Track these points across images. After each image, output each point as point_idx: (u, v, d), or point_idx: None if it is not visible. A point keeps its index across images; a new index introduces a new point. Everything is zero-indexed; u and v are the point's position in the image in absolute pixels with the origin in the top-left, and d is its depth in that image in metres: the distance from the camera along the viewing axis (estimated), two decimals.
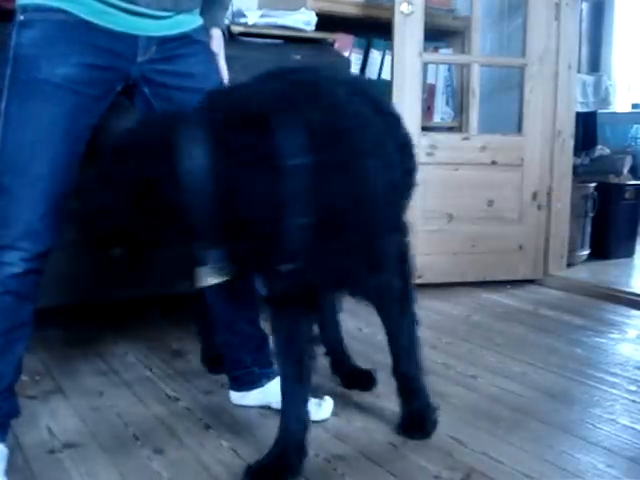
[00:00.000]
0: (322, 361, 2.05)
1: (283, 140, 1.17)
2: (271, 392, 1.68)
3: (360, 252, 1.32)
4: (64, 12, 1.32)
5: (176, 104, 1.44)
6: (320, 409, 1.65)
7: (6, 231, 1.33)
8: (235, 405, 1.73)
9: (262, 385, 1.70)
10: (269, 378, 1.70)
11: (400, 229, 1.51)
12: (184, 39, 1.46)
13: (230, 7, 2.50)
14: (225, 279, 1.32)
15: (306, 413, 1.44)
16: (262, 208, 1.17)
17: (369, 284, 1.42)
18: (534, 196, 3.05)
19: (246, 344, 1.68)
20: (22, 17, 1.33)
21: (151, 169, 1.17)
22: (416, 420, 1.59)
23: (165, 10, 1.40)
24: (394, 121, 1.51)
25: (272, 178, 1.16)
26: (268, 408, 1.69)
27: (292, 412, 1.43)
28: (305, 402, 1.45)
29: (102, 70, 1.37)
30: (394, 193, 1.40)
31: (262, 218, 1.18)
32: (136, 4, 1.36)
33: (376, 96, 1.49)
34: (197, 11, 1.51)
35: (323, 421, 1.64)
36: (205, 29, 1.56)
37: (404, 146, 1.49)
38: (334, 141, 1.23)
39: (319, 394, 1.69)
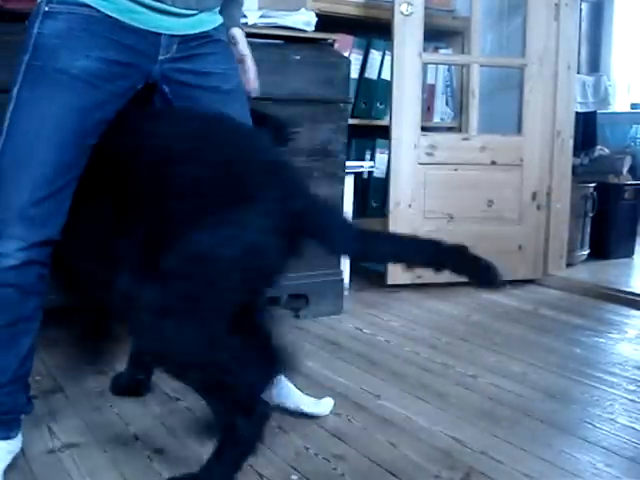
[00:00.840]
0: (322, 362, 2.05)
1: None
2: (274, 389, 1.69)
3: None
4: (90, 7, 1.32)
5: (196, 103, 1.45)
6: (319, 404, 1.65)
7: (1, 216, 1.31)
8: None
9: None
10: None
11: None
12: (205, 38, 1.46)
13: None
14: None
15: None
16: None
17: None
18: (534, 196, 3.06)
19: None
20: (47, 8, 1.32)
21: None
22: None
23: (189, 8, 1.39)
24: None
25: None
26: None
27: None
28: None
29: (123, 66, 1.36)
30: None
31: None
32: (162, 2, 1.35)
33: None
34: (217, 10, 1.51)
35: (322, 419, 1.64)
36: (225, 29, 1.56)
37: None
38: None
39: (313, 395, 1.70)
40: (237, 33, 1.63)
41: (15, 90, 1.32)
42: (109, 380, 1.89)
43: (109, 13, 1.33)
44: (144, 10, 1.35)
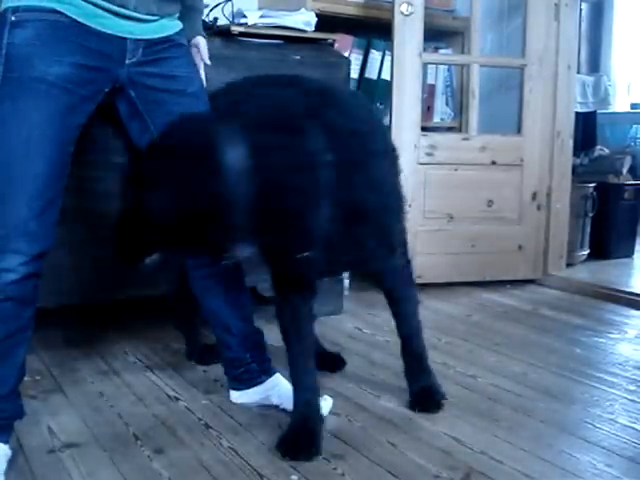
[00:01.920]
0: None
1: (313, 140, 1.34)
2: (270, 387, 1.70)
3: (378, 237, 1.50)
4: (56, 12, 1.34)
5: (162, 106, 1.48)
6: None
7: (1, 231, 1.32)
8: (235, 405, 1.74)
9: (262, 382, 1.71)
10: (268, 374, 1.72)
11: (403, 218, 1.69)
12: (168, 42, 1.50)
13: (230, 8, 2.52)
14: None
15: (316, 382, 1.58)
16: (296, 200, 1.31)
17: (385, 266, 1.63)
18: (534, 196, 3.06)
19: (244, 343, 1.69)
20: (13, 17, 1.33)
21: (197, 169, 1.27)
22: (429, 394, 1.73)
23: (151, 14, 1.44)
24: (384, 127, 1.73)
25: (305, 173, 1.32)
26: (268, 407, 1.70)
27: (304, 384, 1.56)
28: (313, 374, 1.58)
29: (92, 71, 1.38)
30: (398, 186, 1.60)
31: (296, 210, 1.32)
32: (125, 7, 1.39)
33: (369, 106, 1.73)
34: (176, 16, 1.55)
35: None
36: (186, 38, 1.60)
37: (394, 150, 1.65)
38: (352, 142, 1.41)
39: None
40: (201, 42, 1.67)
41: None
42: (109, 380, 1.90)
43: (75, 18, 1.35)
44: (109, 15, 1.38)
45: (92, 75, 1.39)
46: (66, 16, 1.34)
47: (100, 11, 1.37)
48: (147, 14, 1.43)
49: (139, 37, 1.44)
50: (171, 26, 1.52)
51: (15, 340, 1.38)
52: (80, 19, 1.36)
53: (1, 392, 1.39)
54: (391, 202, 1.54)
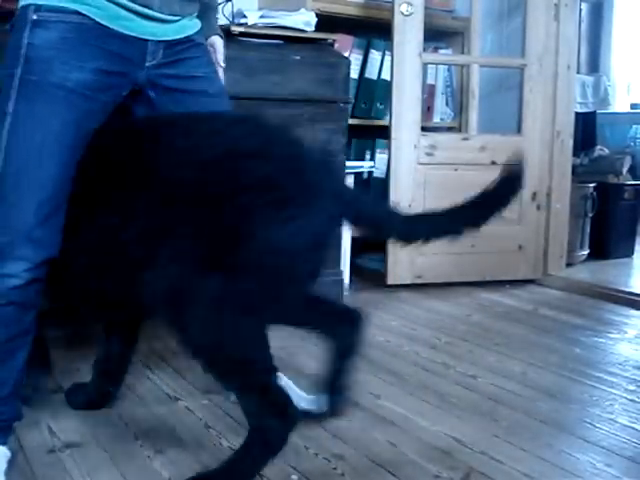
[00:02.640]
0: (323, 362, 2.05)
1: None
2: None
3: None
4: (80, 14, 1.30)
5: (182, 107, 1.45)
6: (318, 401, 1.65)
7: (6, 238, 1.29)
8: (235, 405, 1.73)
9: None
10: None
11: None
12: (188, 42, 1.47)
13: (230, 8, 2.52)
14: None
15: None
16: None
17: None
18: (533, 196, 3.06)
19: None
20: (35, 16, 1.29)
21: None
22: None
23: (174, 14, 1.40)
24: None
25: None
26: None
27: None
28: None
29: (113, 76, 1.35)
30: None
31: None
32: (149, 7, 1.35)
33: None
34: (195, 15, 1.52)
35: (321, 421, 1.64)
36: (204, 37, 1.57)
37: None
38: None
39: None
40: (217, 42, 1.63)
41: (10, 105, 1.28)
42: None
43: (99, 20, 1.31)
44: (133, 17, 1.35)
45: (113, 80, 1.36)
46: (89, 18, 1.31)
47: (124, 12, 1.33)
48: (170, 14, 1.39)
49: (161, 39, 1.40)
50: (191, 26, 1.48)
51: (16, 344, 1.36)
52: (103, 21, 1.32)
53: (0, 394, 1.38)
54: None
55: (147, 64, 1.40)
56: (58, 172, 1.31)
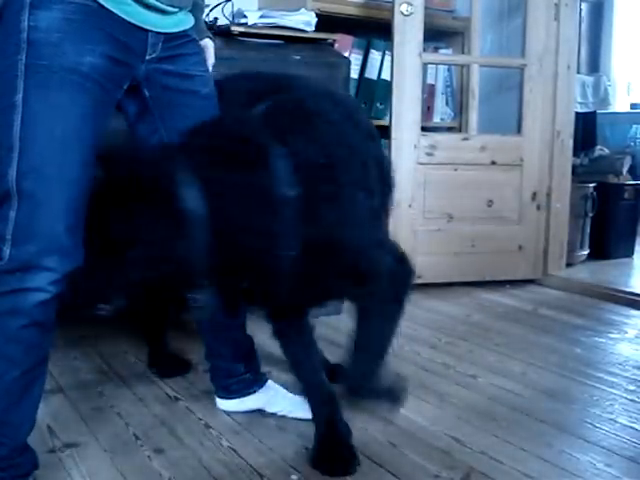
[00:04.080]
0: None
1: (276, 175, 1.19)
2: (264, 398, 1.68)
3: (345, 272, 1.32)
4: None
5: (174, 108, 1.39)
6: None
7: (29, 247, 1.15)
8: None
9: (254, 392, 1.68)
10: (260, 384, 1.69)
11: (384, 243, 1.46)
12: (184, 38, 1.39)
13: (230, 8, 2.52)
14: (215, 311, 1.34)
15: (329, 387, 1.52)
16: (258, 241, 1.20)
17: (355, 295, 1.41)
18: (533, 196, 3.06)
19: (237, 352, 1.66)
20: None
21: (152, 216, 1.14)
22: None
23: (172, 5, 1.31)
24: (376, 143, 1.53)
25: (267, 211, 1.20)
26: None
27: (318, 396, 1.51)
28: (322, 377, 1.52)
29: (119, 65, 1.25)
30: (376, 216, 1.42)
31: (257, 252, 1.20)
32: None
33: (359, 116, 1.51)
34: (189, 9, 1.43)
35: None
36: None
37: (383, 166, 1.50)
38: (321, 173, 1.25)
39: None
40: (209, 45, 1.56)
41: (19, 97, 1.15)
42: (109, 380, 1.90)
43: (103, 3, 1.20)
44: (132, 3, 1.24)
45: (119, 70, 1.25)
46: (94, 1, 1.19)
47: None
48: (169, 5, 1.29)
49: (161, 30, 1.30)
50: (187, 20, 1.40)
51: (34, 374, 1.23)
52: (107, 5, 1.20)
53: (17, 441, 1.23)
54: (363, 236, 1.34)
55: (147, 57, 1.31)
56: (81, 170, 1.18)
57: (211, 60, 1.56)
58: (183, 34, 1.39)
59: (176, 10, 1.34)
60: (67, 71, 1.16)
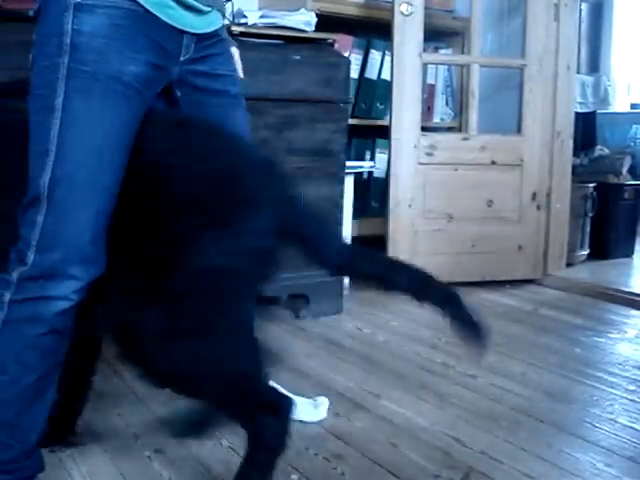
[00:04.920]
0: (322, 362, 2.05)
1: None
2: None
3: None
4: (131, 0, 1.16)
5: (205, 108, 1.36)
6: (317, 410, 1.65)
7: (54, 254, 1.14)
8: None
9: None
10: None
11: None
12: (215, 37, 1.36)
13: (230, 8, 2.52)
14: None
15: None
16: None
17: None
18: (533, 196, 3.06)
19: None
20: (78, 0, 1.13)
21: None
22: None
23: (207, 5, 1.28)
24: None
25: None
26: None
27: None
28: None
29: (158, 70, 1.23)
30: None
31: None
32: None
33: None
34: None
35: (321, 421, 1.64)
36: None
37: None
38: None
39: (314, 395, 1.70)
40: (236, 53, 1.53)
41: (59, 101, 1.12)
42: (109, 380, 1.89)
43: (149, 8, 1.17)
44: (175, 5, 1.21)
45: (158, 75, 1.23)
46: (138, 4, 1.16)
47: (169, 1, 1.20)
48: (205, 4, 1.26)
49: (196, 31, 1.28)
50: (218, 20, 1.36)
51: (48, 380, 1.22)
52: (153, 9, 1.18)
53: (26, 445, 1.22)
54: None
55: (181, 59, 1.28)
56: (114, 179, 1.16)
57: (239, 67, 1.54)
58: (214, 33, 1.36)
59: (210, 9, 1.31)
60: (111, 79, 1.14)
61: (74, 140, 1.13)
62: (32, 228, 1.14)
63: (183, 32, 1.25)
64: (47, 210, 1.14)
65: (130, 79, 1.16)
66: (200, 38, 1.31)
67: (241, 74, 1.53)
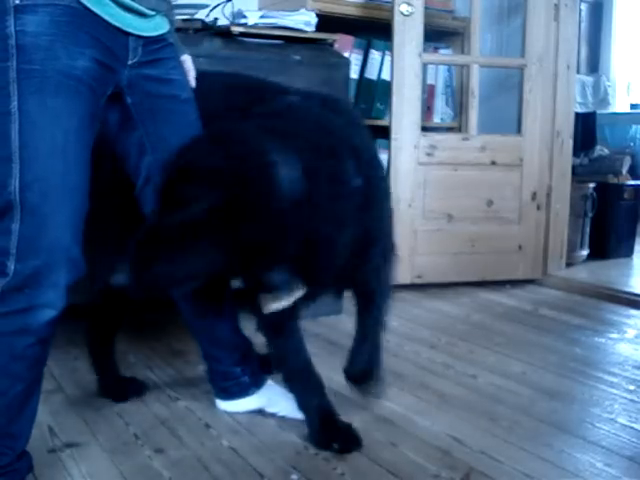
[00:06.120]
0: (322, 362, 2.05)
1: (348, 166, 1.34)
2: (264, 398, 1.68)
3: (383, 255, 1.52)
4: None
5: (156, 115, 1.37)
6: None
7: (35, 260, 1.12)
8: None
9: (251, 394, 1.68)
10: (258, 386, 1.68)
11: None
12: (162, 41, 1.36)
13: (230, 7, 2.52)
14: (293, 299, 1.39)
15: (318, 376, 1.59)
16: (335, 226, 1.30)
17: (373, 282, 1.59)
18: (533, 196, 3.06)
19: (233, 355, 1.65)
20: (17, 1, 1.11)
21: (247, 192, 1.18)
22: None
23: (151, 9, 1.29)
24: (360, 130, 1.60)
25: (345, 201, 1.31)
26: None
27: (309, 384, 1.57)
28: (312, 366, 1.59)
29: (106, 69, 1.23)
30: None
31: (333, 235, 1.30)
32: None
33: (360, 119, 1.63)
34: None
35: None
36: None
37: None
38: (371, 165, 1.43)
39: None
40: (188, 61, 1.51)
41: (14, 105, 1.11)
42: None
43: (88, 5, 1.17)
44: (114, 5, 1.21)
45: (107, 74, 1.23)
46: (78, 2, 1.15)
47: (107, 0, 1.19)
48: (148, 8, 1.27)
49: (141, 34, 1.28)
50: (164, 24, 1.37)
51: (34, 387, 1.23)
52: (91, 7, 1.17)
53: (18, 450, 1.23)
54: (391, 223, 1.54)
55: (129, 62, 1.28)
56: (83, 178, 1.17)
57: (192, 74, 1.52)
58: (161, 38, 1.36)
59: (154, 13, 1.32)
60: (61, 75, 1.14)
61: (36, 142, 1.12)
62: (8, 237, 1.12)
63: (127, 34, 1.26)
64: (22, 216, 1.12)
65: (81, 74, 1.15)
66: (147, 42, 1.31)
67: (193, 83, 1.50)
